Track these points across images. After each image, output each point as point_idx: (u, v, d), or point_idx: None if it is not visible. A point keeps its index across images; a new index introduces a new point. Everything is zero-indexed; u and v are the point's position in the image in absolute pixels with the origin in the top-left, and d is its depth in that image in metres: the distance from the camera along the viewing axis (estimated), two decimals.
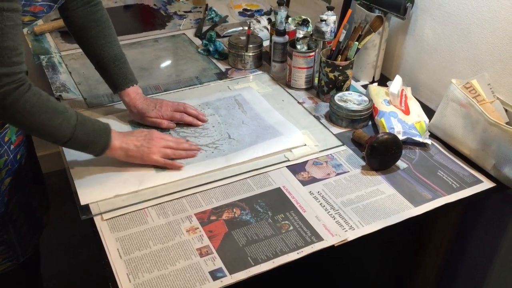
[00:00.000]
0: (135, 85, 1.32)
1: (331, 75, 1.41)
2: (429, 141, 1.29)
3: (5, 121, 1.16)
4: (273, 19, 1.78)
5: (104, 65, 1.30)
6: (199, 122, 1.35)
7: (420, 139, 1.28)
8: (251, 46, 1.61)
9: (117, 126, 1.31)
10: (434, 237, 1.36)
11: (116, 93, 1.33)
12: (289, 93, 1.51)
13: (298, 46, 1.48)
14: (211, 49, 1.71)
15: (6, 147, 1.24)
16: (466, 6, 1.29)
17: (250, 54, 1.62)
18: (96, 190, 1.12)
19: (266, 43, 1.72)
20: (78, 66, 1.61)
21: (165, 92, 1.51)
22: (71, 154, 1.21)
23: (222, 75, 1.61)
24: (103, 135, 1.11)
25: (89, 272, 1.98)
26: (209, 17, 1.97)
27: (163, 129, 1.31)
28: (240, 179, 1.17)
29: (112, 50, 1.30)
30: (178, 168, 1.18)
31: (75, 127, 1.05)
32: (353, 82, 1.55)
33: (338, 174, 1.20)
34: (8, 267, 1.34)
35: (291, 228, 1.05)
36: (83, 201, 1.09)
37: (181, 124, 1.34)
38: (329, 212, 1.09)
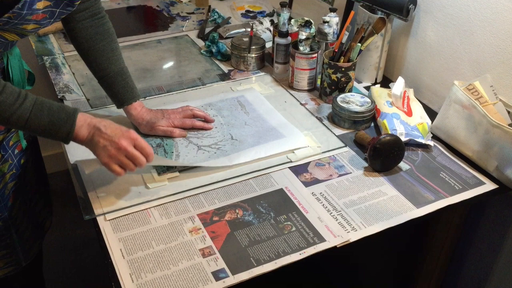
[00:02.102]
0: (140, 99, 1.32)
1: (333, 76, 1.42)
2: (431, 143, 1.29)
3: None
4: (275, 21, 1.78)
5: (110, 79, 1.28)
6: (210, 125, 1.34)
7: (423, 141, 1.28)
8: (253, 47, 1.61)
9: None
10: (436, 239, 1.36)
11: (121, 108, 1.31)
12: (292, 95, 1.52)
13: (301, 48, 1.48)
14: (213, 50, 1.71)
15: (10, 151, 1.25)
16: (469, 8, 1.29)
17: (253, 55, 1.62)
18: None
19: (268, 45, 1.72)
20: (81, 67, 1.61)
21: (168, 93, 1.51)
22: (73, 156, 1.21)
23: (224, 76, 1.61)
24: (62, 128, 1.04)
25: (91, 273, 1.98)
26: (211, 19, 1.97)
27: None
28: (243, 180, 1.18)
29: (119, 64, 1.28)
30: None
31: (26, 121, 1.02)
32: (355, 84, 1.55)
33: (340, 175, 1.20)
34: (11, 272, 1.34)
35: (294, 229, 1.05)
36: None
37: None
38: (331, 213, 1.09)
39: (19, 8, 1.00)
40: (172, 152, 1.24)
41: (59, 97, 1.46)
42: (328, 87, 1.45)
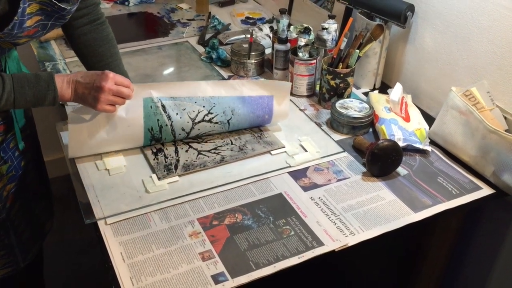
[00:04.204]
0: None
1: (332, 82, 1.43)
2: (429, 148, 1.30)
3: None
4: (275, 27, 1.80)
5: None
6: None
7: (420, 146, 1.29)
8: (253, 53, 1.63)
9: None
10: (434, 243, 1.36)
11: None
12: (291, 100, 1.53)
13: (300, 54, 1.49)
14: (213, 56, 1.73)
15: (10, 153, 1.26)
16: (466, 15, 1.31)
17: (252, 61, 1.63)
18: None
19: (268, 51, 1.74)
20: None
21: None
22: (75, 165, 1.22)
23: None
24: (48, 95, 1.09)
25: (92, 277, 1.99)
26: (212, 25, 1.99)
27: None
28: (242, 185, 1.19)
29: (119, 69, 1.31)
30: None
31: (14, 101, 1.06)
32: (354, 90, 1.56)
33: (339, 180, 1.21)
34: (9, 272, 1.34)
35: (292, 233, 1.06)
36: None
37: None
38: (330, 217, 1.10)
39: (9, 30, 1.02)
40: (172, 157, 1.26)
41: (60, 102, 1.47)
42: (327, 93, 1.46)
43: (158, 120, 1.23)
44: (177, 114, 1.24)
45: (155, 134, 1.25)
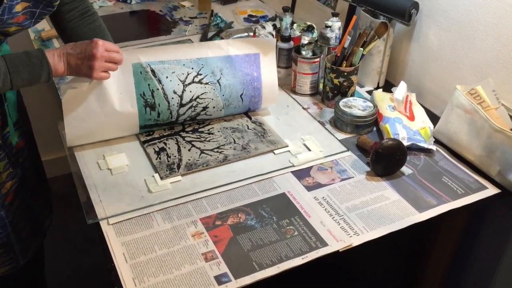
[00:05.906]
0: None
1: (336, 81, 1.42)
2: (433, 147, 1.29)
3: None
4: (278, 25, 1.78)
5: None
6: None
7: (425, 145, 1.28)
8: None
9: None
10: (439, 243, 1.36)
11: None
12: (294, 99, 1.52)
13: (303, 52, 1.48)
14: None
15: (8, 150, 1.26)
16: (471, 13, 1.29)
17: None
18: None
19: None
20: None
21: None
22: (77, 164, 1.22)
23: None
24: (42, 71, 1.09)
25: (93, 278, 1.98)
26: (214, 23, 1.98)
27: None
28: (245, 184, 1.18)
29: None
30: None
31: (11, 82, 1.06)
32: (358, 88, 1.55)
33: (342, 179, 1.21)
34: (9, 270, 1.34)
35: (296, 233, 1.05)
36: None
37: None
38: (333, 217, 1.09)
39: None
40: (175, 156, 1.25)
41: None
42: (330, 91, 1.45)
43: (149, 84, 1.25)
44: (167, 77, 1.26)
45: (148, 99, 1.25)
